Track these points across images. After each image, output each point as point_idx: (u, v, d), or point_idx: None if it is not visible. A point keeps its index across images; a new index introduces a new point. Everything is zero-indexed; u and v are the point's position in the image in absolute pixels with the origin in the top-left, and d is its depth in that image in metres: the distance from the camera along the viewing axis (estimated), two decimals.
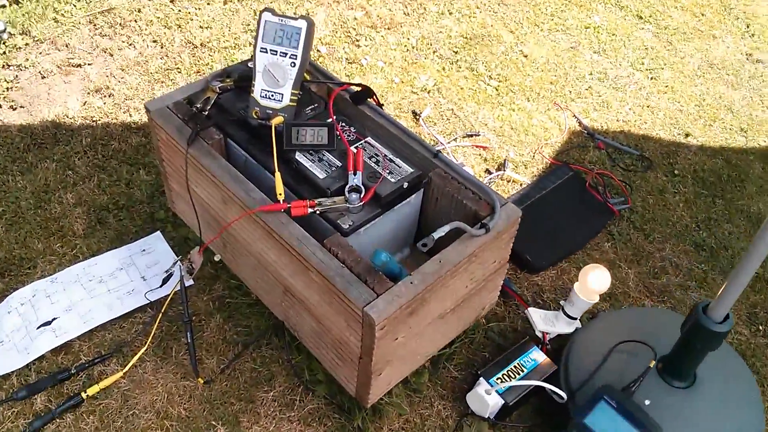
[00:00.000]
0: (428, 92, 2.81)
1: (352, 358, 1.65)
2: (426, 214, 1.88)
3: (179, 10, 3.01)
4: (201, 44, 2.88)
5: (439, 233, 1.55)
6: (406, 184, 1.71)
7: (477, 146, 2.55)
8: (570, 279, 2.20)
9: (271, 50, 1.72)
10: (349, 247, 1.59)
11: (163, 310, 1.90)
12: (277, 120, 1.73)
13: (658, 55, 3.28)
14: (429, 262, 1.58)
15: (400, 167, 1.74)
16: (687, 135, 2.85)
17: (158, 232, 2.18)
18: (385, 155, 1.76)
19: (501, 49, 3.10)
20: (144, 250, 2.11)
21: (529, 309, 1.98)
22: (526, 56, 3.09)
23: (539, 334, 1.95)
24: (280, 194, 1.63)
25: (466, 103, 2.79)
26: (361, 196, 1.64)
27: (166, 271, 1.88)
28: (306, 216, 1.62)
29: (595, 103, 2.94)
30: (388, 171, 1.72)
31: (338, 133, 1.77)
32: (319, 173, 1.70)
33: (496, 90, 2.89)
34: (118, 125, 2.53)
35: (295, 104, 1.74)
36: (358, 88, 1.91)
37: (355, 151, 1.73)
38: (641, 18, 3.53)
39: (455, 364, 1.93)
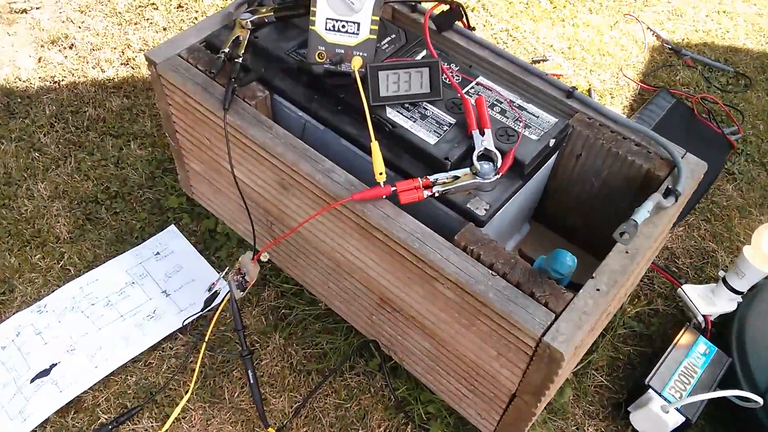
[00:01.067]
0: (471, 10, 2.25)
1: (496, 393, 1.17)
2: (557, 178, 1.37)
3: None
4: None
5: (642, 215, 1.05)
6: (552, 141, 1.20)
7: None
8: (702, 236, 1.73)
9: None
10: (494, 244, 1.08)
11: (206, 338, 1.37)
12: (356, 62, 1.18)
13: None
14: (615, 254, 1.09)
15: (537, 117, 1.22)
16: None
17: (172, 225, 1.63)
18: (511, 101, 1.23)
19: None
20: (158, 253, 1.57)
21: (684, 286, 1.51)
22: None
23: (700, 319, 1.49)
24: (381, 173, 1.10)
25: (521, 21, 2.24)
26: (497, 165, 1.12)
27: (209, 290, 1.34)
28: (417, 202, 1.11)
29: (666, 12, 2.42)
30: (524, 125, 1.20)
31: (446, 75, 1.23)
32: (428, 137, 1.17)
33: (551, 2, 2.34)
34: (89, 85, 1.92)
35: (375, 36, 1.19)
36: (445, 7, 1.35)
37: (473, 100, 1.20)
38: None
39: (597, 368, 1.47)
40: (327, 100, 1.25)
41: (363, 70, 1.19)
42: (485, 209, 1.12)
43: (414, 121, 1.19)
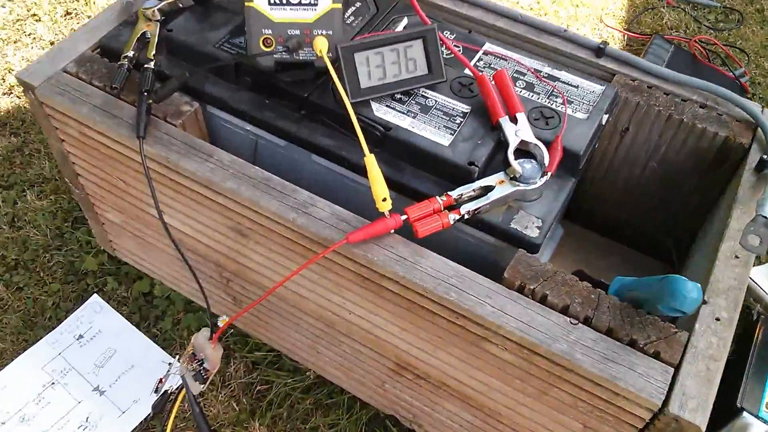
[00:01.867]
0: None
1: None
2: (595, 164, 1.05)
3: None
4: None
5: None
6: (605, 118, 0.87)
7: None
8: None
9: None
10: (561, 276, 0.75)
11: None
12: (319, 43, 0.82)
13: None
14: (724, 264, 0.78)
15: (576, 87, 0.89)
16: None
17: (95, 295, 1.24)
18: (536, 70, 0.90)
19: None
20: (81, 336, 1.18)
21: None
22: None
23: None
24: (385, 199, 0.75)
25: None
26: (543, 162, 0.79)
27: (156, 390, 0.96)
28: (440, 232, 0.77)
29: None
30: (565, 100, 0.86)
31: (445, 46, 0.88)
32: (438, 136, 0.82)
33: None
34: None
35: (340, 5, 0.84)
36: None
37: (490, 75, 0.86)
38: None
39: None
40: (284, 104, 0.89)
41: (331, 54, 0.83)
42: (537, 227, 0.78)
43: (414, 117, 0.84)
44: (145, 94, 0.86)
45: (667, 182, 1.01)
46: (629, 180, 1.04)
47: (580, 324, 0.73)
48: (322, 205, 0.80)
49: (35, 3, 1.77)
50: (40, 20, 1.73)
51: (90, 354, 1.16)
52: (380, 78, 0.84)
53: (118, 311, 1.22)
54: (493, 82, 0.85)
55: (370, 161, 0.75)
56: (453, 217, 0.77)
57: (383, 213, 0.76)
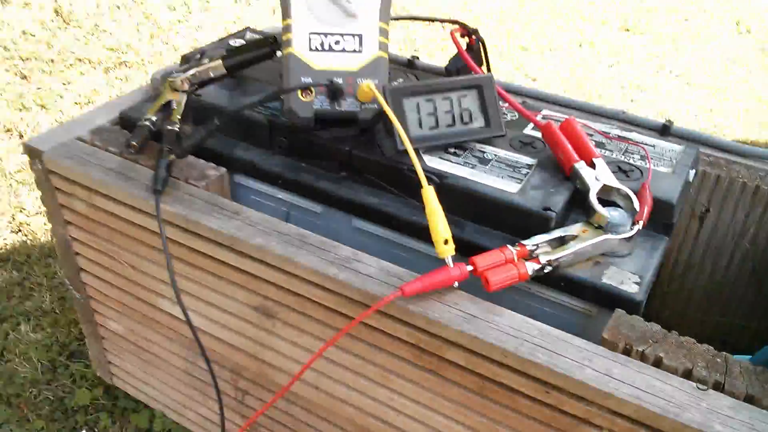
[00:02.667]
0: None
1: None
2: (668, 259, 0.91)
3: (39, 88, 1.96)
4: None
5: None
6: (692, 174, 0.76)
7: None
8: None
9: None
10: (674, 338, 0.59)
11: None
12: (364, 91, 0.73)
13: None
14: None
15: (653, 146, 0.78)
16: None
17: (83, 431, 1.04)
18: (605, 132, 0.80)
19: None
20: None
21: None
22: None
23: None
24: (447, 241, 0.61)
25: None
26: (635, 208, 0.66)
27: None
28: (510, 289, 0.63)
29: None
30: (647, 154, 0.75)
31: (504, 99, 0.79)
32: (503, 184, 0.70)
33: None
34: None
35: (387, 54, 0.76)
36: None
37: (557, 126, 0.76)
38: None
39: None
40: (322, 166, 0.78)
41: (374, 105, 0.74)
42: (636, 282, 0.63)
43: (472, 167, 0.73)
44: (168, 150, 0.76)
45: (761, 270, 0.87)
46: (715, 274, 0.90)
47: (710, 390, 0.55)
48: (369, 261, 0.66)
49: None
50: (46, 109, 1.70)
51: None
52: (432, 127, 0.74)
53: None
54: (559, 132, 0.74)
55: (428, 194, 0.63)
56: (531, 266, 0.63)
57: (445, 259, 0.62)
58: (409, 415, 0.70)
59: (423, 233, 0.71)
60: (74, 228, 0.87)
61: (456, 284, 0.63)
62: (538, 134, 0.78)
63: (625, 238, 0.66)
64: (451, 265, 0.62)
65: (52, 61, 2.09)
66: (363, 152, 0.75)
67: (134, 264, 0.83)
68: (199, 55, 0.90)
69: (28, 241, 1.46)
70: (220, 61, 0.86)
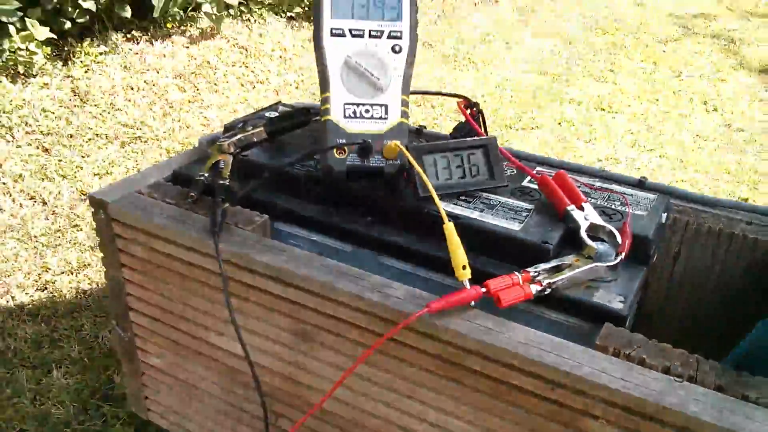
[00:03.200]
0: None
1: None
2: (646, 297, 1.05)
3: (60, 160, 2.10)
4: None
5: None
6: (664, 217, 0.90)
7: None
8: None
9: (353, 31, 0.91)
10: (654, 343, 0.72)
11: None
12: (390, 149, 0.88)
13: None
14: None
15: (631, 195, 0.93)
16: None
17: None
18: (590, 184, 0.95)
19: None
20: None
21: None
22: None
23: None
24: (465, 267, 0.75)
25: None
26: (618, 242, 0.80)
27: None
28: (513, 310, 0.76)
29: None
30: (626, 200, 0.91)
31: (505, 157, 0.94)
32: (507, 224, 0.84)
33: None
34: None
35: (408, 120, 0.92)
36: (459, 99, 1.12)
37: (551, 177, 0.91)
38: None
39: None
40: (351, 212, 0.92)
41: (398, 161, 0.89)
42: (621, 301, 0.77)
43: (481, 211, 0.87)
44: (221, 200, 0.89)
45: (722, 303, 1.01)
46: (689, 308, 1.04)
47: (685, 382, 0.68)
48: (398, 286, 0.79)
49: (78, 216, 1.87)
50: (81, 230, 1.81)
51: None
52: (447, 179, 0.89)
53: None
54: (554, 182, 0.89)
55: (449, 227, 0.77)
56: (535, 288, 0.76)
57: (463, 282, 0.75)
58: (432, 423, 0.81)
59: (439, 265, 0.85)
60: (129, 270, 0.99)
61: (473, 303, 0.76)
62: (534, 186, 0.93)
63: (610, 266, 0.80)
64: (469, 287, 0.75)
65: (71, 136, 2.24)
66: (388, 200, 0.89)
67: (184, 300, 0.95)
68: (241, 124, 1.05)
69: (55, 297, 1.57)
70: (262, 128, 1.01)
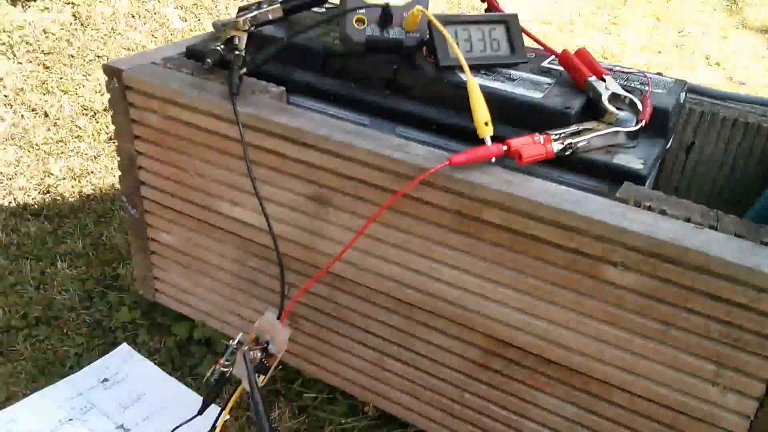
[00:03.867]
0: None
1: None
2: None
3: (61, 77, 2.08)
4: (105, 109, 1.96)
5: None
6: (682, 97, 0.91)
7: None
8: None
9: None
10: (674, 199, 0.73)
11: None
12: (412, 18, 0.88)
13: None
14: None
15: (652, 77, 0.93)
16: None
17: (124, 344, 1.13)
18: (609, 68, 0.95)
19: None
20: (106, 380, 1.05)
21: None
22: None
23: None
24: (487, 123, 0.75)
25: None
26: (638, 109, 0.81)
27: (213, 373, 0.83)
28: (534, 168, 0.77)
29: None
30: (647, 79, 0.91)
31: (525, 33, 0.94)
32: (529, 93, 0.84)
33: None
34: None
35: None
36: None
37: (572, 53, 0.91)
38: None
39: None
40: (369, 86, 0.92)
41: (417, 35, 0.89)
42: (641, 163, 0.77)
43: (502, 83, 0.87)
44: (238, 67, 0.89)
45: (734, 193, 1.01)
46: (699, 200, 1.04)
47: (706, 228, 0.69)
48: (418, 146, 0.79)
49: (80, 127, 1.85)
50: (82, 140, 1.80)
51: (114, 396, 1.03)
52: (467, 51, 0.89)
53: (148, 358, 1.11)
54: (576, 58, 0.89)
55: (473, 83, 0.77)
56: (556, 146, 0.76)
57: (484, 138, 0.75)
58: (446, 281, 0.82)
59: (459, 135, 0.85)
60: (141, 142, 0.99)
61: (494, 160, 0.76)
62: (555, 66, 0.93)
63: (631, 132, 0.80)
64: (490, 143, 0.75)
65: (72, 56, 2.21)
66: (407, 72, 0.89)
67: (198, 170, 0.95)
68: (255, 5, 1.04)
69: (58, 200, 1.56)
70: (278, 5, 1.00)
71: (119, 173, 1.04)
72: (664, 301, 0.69)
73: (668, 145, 0.90)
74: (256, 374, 0.82)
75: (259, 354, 0.83)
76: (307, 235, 0.89)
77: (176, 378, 1.07)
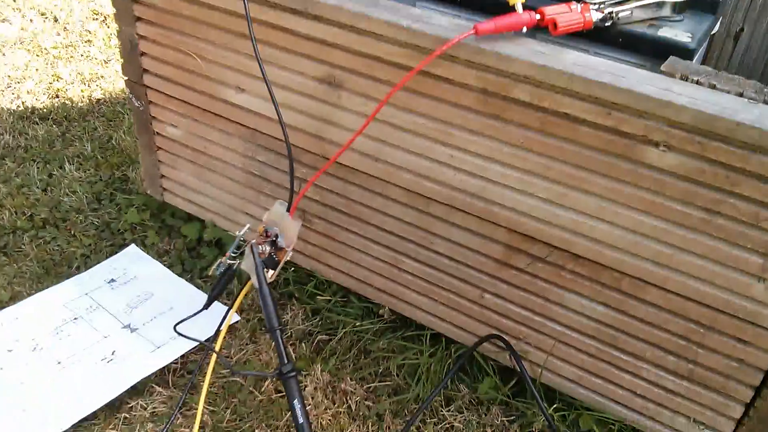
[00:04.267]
0: None
1: (748, 360, 0.67)
2: None
3: None
4: None
5: None
6: None
7: None
8: None
9: None
10: (724, 74, 0.64)
11: (218, 346, 0.81)
12: None
13: None
14: None
15: None
16: None
17: (132, 245, 1.09)
18: None
19: None
20: (113, 280, 1.01)
21: None
22: None
23: None
24: None
25: None
26: None
27: (218, 267, 0.78)
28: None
29: None
30: None
31: None
32: None
33: None
34: (5, 115, 1.43)
35: None
36: None
37: None
38: None
39: None
40: None
41: None
42: (688, 36, 0.68)
43: None
44: None
45: None
46: None
47: (760, 103, 0.60)
48: (440, 16, 0.71)
49: (90, 32, 1.78)
50: (92, 44, 1.73)
51: (122, 296, 0.99)
52: None
53: (156, 259, 1.07)
54: None
55: None
56: (595, 15, 0.68)
57: (514, 6, 0.67)
58: (467, 171, 0.75)
59: (485, 6, 0.77)
60: (143, 24, 0.92)
61: (524, 30, 0.68)
62: None
63: (678, 3, 0.71)
64: (521, 11, 0.67)
65: None
66: None
67: (202, 54, 0.88)
68: None
69: (67, 104, 1.50)
70: None
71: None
72: (710, 185, 0.62)
73: (716, 27, 0.81)
74: (265, 269, 0.77)
75: (268, 248, 0.78)
76: (318, 124, 0.83)
77: (186, 279, 1.03)
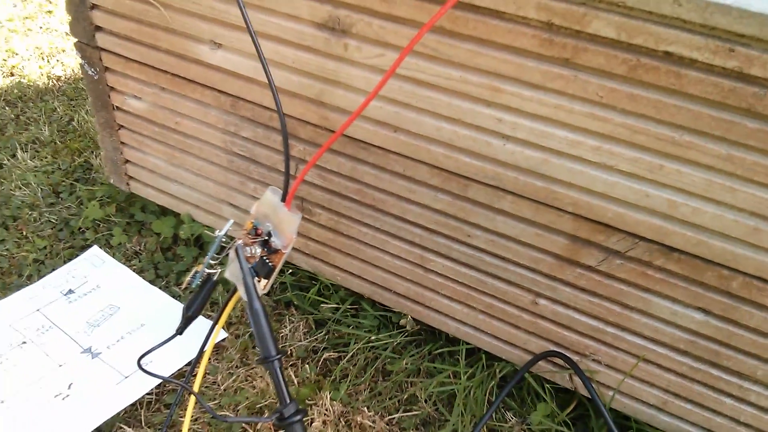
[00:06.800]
0: None
1: None
2: None
3: None
4: None
5: None
6: None
7: None
8: None
9: None
10: None
11: (197, 380, 0.62)
12: None
13: None
14: None
15: None
16: None
17: (95, 247, 0.89)
18: None
19: None
20: (71, 292, 0.84)
21: None
22: None
23: None
24: None
25: None
26: None
27: (194, 277, 0.59)
28: None
29: None
30: None
31: None
32: None
33: None
34: None
35: None
36: None
37: None
38: None
39: None
40: None
41: None
42: None
43: None
44: None
45: None
46: None
47: None
48: None
49: (50, 1, 1.58)
50: (53, 14, 1.53)
51: (82, 311, 0.80)
52: None
53: (122, 262, 0.88)
54: None
55: None
56: None
57: None
58: (521, 139, 0.56)
59: None
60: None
61: None
62: None
63: None
64: None
65: None
66: None
67: (165, 2, 0.68)
68: None
69: (23, 83, 1.31)
70: None
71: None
72: None
73: None
74: (256, 277, 0.58)
75: (258, 249, 0.59)
76: (319, 85, 0.64)
77: (160, 288, 0.84)
